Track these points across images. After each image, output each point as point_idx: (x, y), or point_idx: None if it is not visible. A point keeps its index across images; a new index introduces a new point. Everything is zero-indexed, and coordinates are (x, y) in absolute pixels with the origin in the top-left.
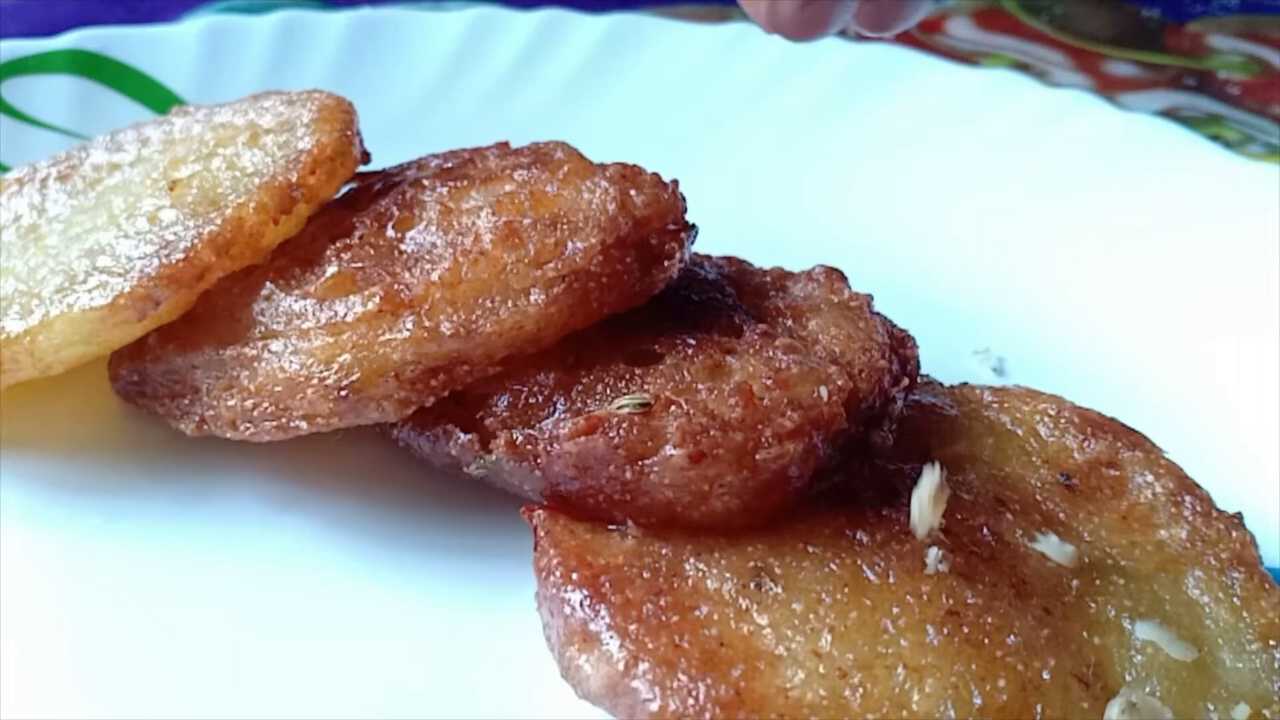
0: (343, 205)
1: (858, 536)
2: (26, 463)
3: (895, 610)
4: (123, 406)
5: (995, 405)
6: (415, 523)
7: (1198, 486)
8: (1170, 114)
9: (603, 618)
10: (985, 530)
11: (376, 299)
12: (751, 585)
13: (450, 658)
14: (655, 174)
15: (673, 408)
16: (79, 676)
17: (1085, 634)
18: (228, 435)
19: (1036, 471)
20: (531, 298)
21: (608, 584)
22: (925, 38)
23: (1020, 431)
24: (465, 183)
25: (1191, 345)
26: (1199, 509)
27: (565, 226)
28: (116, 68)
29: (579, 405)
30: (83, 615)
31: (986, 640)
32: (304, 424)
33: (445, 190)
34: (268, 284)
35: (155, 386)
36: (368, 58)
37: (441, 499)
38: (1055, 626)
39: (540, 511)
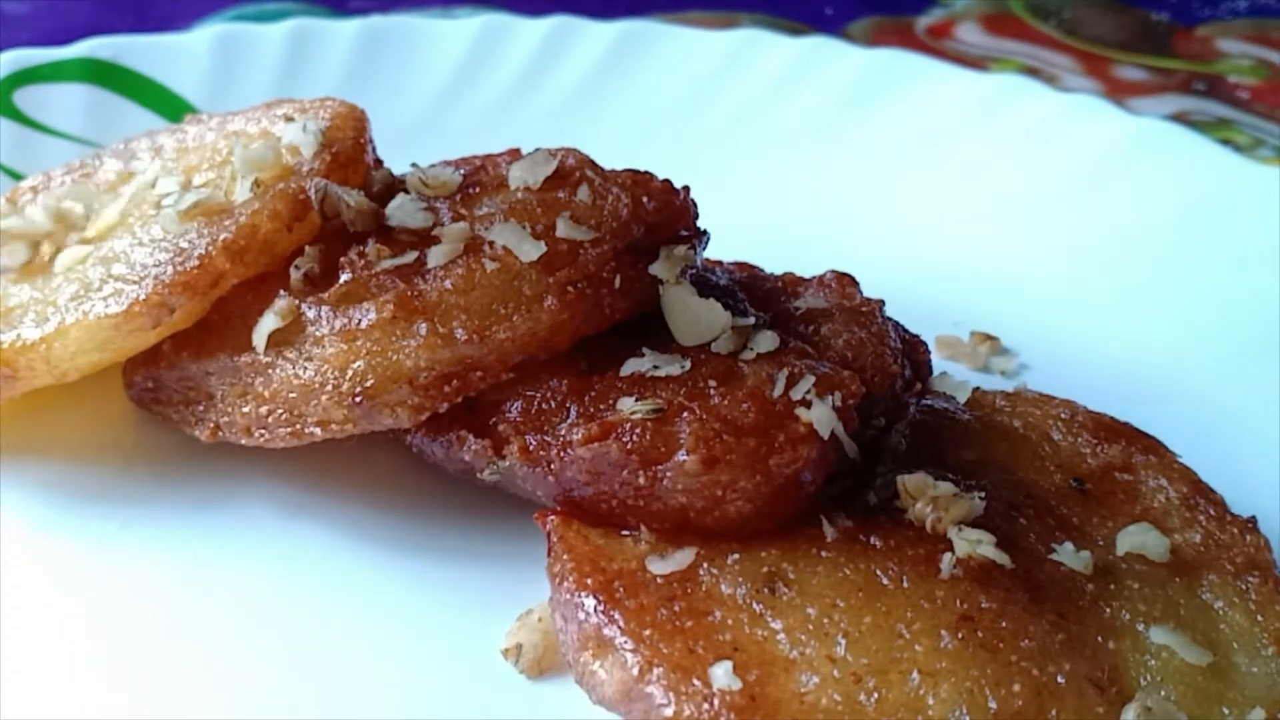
0: None
1: (871, 541)
2: (42, 469)
3: (909, 615)
4: (137, 413)
5: (1008, 410)
6: (428, 528)
7: (1211, 491)
8: (1180, 118)
9: (617, 623)
10: (999, 534)
11: (390, 306)
12: (765, 590)
13: (463, 662)
14: (666, 180)
15: (685, 413)
16: (93, 679)
17: (1100, 638)
18: (242, 442)
19: (1050, 476)
20: (544, 303)
21: (621, 589)
22: (934, 43)
23: (1033, 436)
24: (477, 189)
25: (1203, 349)
26: (1213, 513)
27: (577, 233)
28: (129, 76)
29: (592, 410)
30: (97, 620)
31: (1001, 645)
32: (318, 430)
33: (457, 197)
34: (282, 291)
35: (170, 393)
36: (378, 65)
37: (455, 505)
38: (1070, 631)
39: (553, 517)
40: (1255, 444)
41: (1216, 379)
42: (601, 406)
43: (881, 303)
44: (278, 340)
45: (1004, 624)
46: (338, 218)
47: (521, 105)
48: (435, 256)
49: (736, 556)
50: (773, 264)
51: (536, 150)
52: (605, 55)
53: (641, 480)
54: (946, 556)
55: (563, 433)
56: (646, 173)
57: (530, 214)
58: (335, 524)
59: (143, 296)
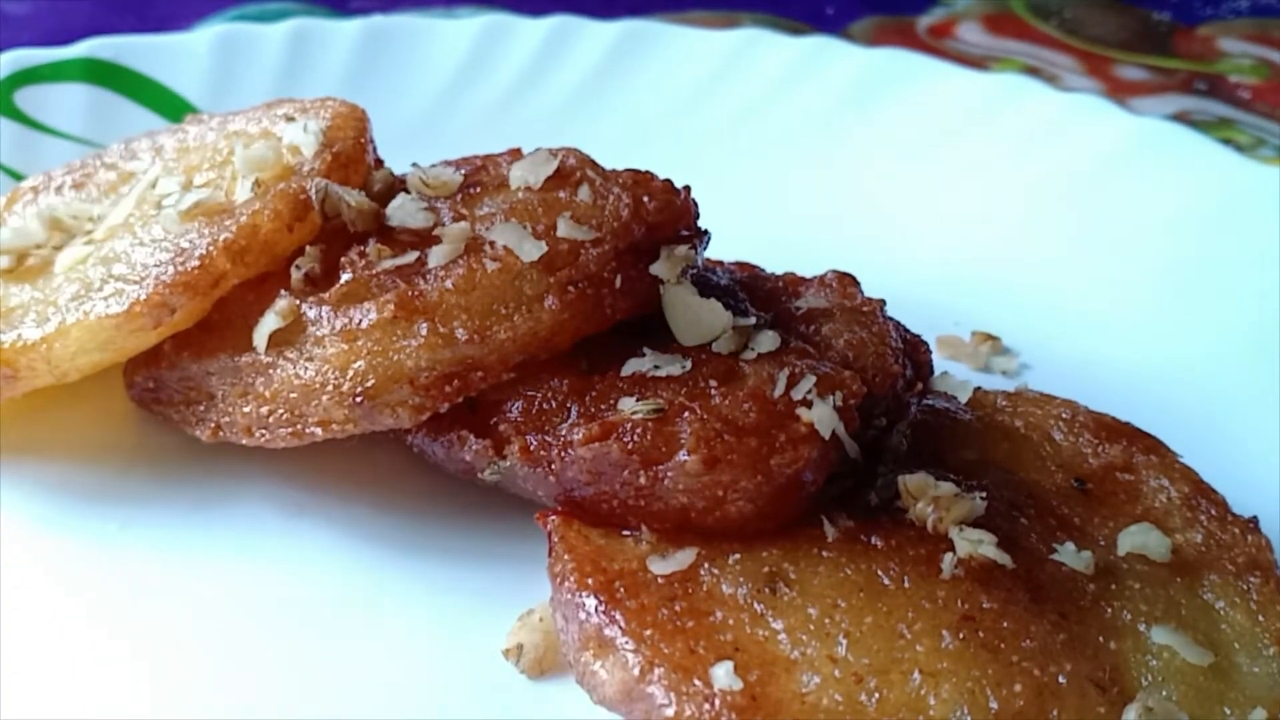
0: None
1: (872, 541)
2: (42, 469)
3: (911, 615)
4: (137, 413)
5: (1009, 410)
6: (429, 528)
7: (1213, 491)
8: (1181, 118)
9: (617, 623)
10: (1000, 535)
11: (391, 306)
12: (766, 590)
13: (463, 662)
14: (667, 180)
15: (686, 413)
16: (93, 679)
17: (1101, 639)
18: (243, 442)
19: (1051, 476)
20: (545, 303)
21: (622, 589)
22: (935, 42)
23: (1034, 436)
24: (478, 189)
25: (1205, 348)
26: (1214, 513)
27: (578, 233)
28: (130, 76)
29: (593, 410)
30: (97, 620)
31: (1002, 645)
32: (319, 430)
33: (458, 197)
34: (283, 291)
35: (170, 393)
36: (379, 65)
37: (455, 505)
38: (1071, 631)
39: (554, 517)
40: (1256, 444)
41: (1217, 379)
42: (602, 406)
43: (882, 302)
44: (279, 340)
45: (1005, 624)
46: (338, 218)
47: (522, 105)
48: (436, 256)
49: (737, 556)
50: (774, 264)
51: (537, 150)
52: (606, 55)
53: (642, 480)
54: (948, 556)
55: (563, 433)
56: (647, 172)
57: (531, 214)
58: (336, 524)
59: (143, 296)
